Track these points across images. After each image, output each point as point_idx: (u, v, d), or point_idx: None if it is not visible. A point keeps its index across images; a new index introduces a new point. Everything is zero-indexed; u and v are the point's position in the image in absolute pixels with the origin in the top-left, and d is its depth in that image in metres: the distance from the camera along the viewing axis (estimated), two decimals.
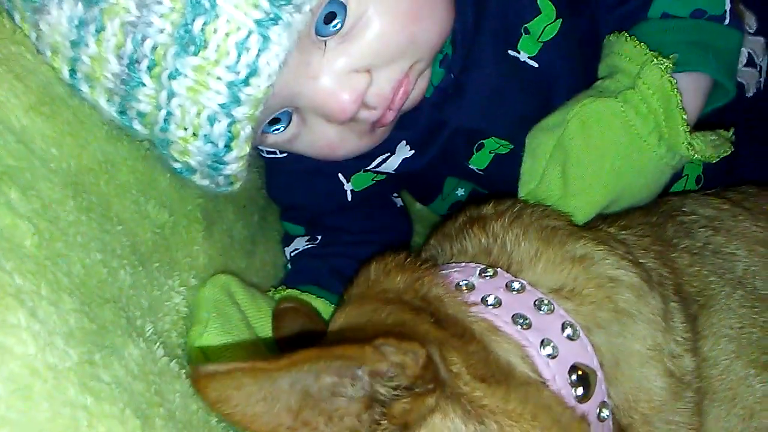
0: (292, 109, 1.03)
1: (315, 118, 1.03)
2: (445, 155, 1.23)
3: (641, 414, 0.84)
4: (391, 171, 1.25)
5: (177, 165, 0.98)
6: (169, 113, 0.90)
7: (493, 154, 1.22)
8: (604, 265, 0.89)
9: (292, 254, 1.31)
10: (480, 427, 0.71)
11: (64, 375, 0.69)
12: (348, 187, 1.28)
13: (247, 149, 0.95)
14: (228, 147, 0.92)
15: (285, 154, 1.25)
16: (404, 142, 1.21)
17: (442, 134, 1.19)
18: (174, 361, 0.88)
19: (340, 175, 1.27)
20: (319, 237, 1.31)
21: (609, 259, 0.90)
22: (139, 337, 0.84)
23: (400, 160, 1.23)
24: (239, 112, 0.89)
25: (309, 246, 1.30)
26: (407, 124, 1.16)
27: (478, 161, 1.23)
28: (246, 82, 0.88)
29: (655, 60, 1.02)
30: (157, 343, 0.87)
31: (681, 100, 1.00)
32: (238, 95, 0.89)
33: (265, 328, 1.06)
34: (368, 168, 1.25)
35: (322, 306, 1.15)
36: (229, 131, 0.91)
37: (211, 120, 0.90)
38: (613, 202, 1.06)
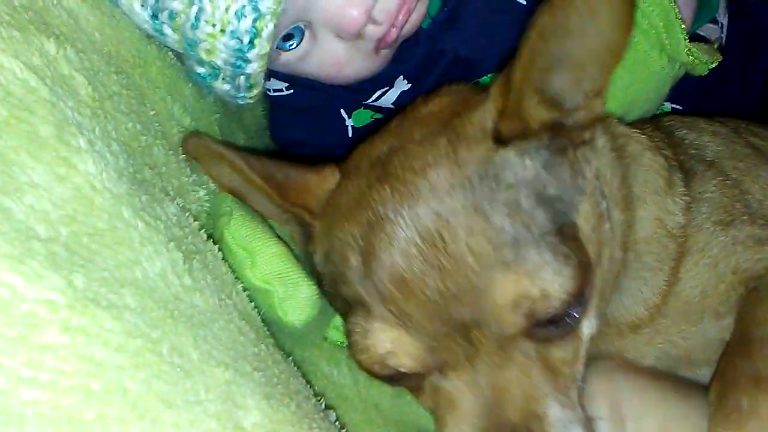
0: (304, 25, 1.13)
1: (326, 33, 1.14)
2: (441, 87, 1.33)
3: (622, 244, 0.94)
4: (389, 105, 1.35)
5: (202, 69, 1.07)
6: (200, 9, 1.00)
7: None
8: (616, 125, 1.02)
9: None
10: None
11: (118, 199, 0.76)
12: (349, 122, 1.38)
13: (268, 48, 1.04)
14: (251, 43, 1.02)
15: (291, 91, 1.34)
16: (401, 76, 1.31)
17: (438, 64, 1.30)
18: (203, 230, 0.95)
19: (342, 111, 1.36)
20: None
21: (621, 125, 1.03)
22: (173, 201, 0.92)
23: (398, 93, 1.33)
24: (264, 5, 0.99)
25: None
26: (404, 57, 1.27)
27: None
28: None
29: None
30: (187, 214, 0.95)
31: (678, 12, 1.13)
32: None
33: None
34: (368, 102, 1.34)
35: None
36: (254, 27, 1.00)
37: (239, 15, 0.99)
38: (624, 115, 1.17)
